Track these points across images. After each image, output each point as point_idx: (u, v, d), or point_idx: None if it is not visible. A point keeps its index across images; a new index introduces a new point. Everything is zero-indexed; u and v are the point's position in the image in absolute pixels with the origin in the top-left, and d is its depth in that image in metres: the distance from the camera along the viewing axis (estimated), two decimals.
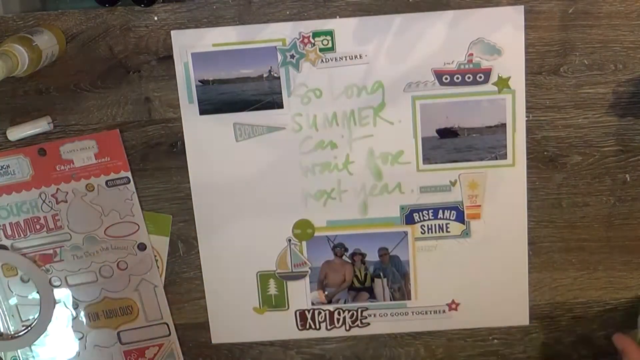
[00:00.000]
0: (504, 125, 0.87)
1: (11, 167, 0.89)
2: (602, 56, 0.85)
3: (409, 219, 0.91)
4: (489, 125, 0.88)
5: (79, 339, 0.94)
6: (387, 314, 0.94)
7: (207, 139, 0.88)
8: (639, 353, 0.83)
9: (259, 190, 0.90)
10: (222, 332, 0.95)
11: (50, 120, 0.87)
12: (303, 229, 0.91)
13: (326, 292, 0.93)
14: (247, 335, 0.95)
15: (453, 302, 0.93)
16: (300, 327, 0.95)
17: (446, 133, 0.88)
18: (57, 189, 0.89)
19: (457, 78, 0.86)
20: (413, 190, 0.90)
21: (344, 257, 0.92)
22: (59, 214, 0.90)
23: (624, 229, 0.91)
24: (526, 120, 0.87)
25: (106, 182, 0.89)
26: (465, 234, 0.91)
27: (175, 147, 0.89)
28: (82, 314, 0.93)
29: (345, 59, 0.86)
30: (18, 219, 0.90)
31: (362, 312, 0.94)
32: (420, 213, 0.90)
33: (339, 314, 0.94)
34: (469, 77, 0.86)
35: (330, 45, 0.85)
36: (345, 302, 0.94)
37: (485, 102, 0.87)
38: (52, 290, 0.92)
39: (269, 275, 0.93)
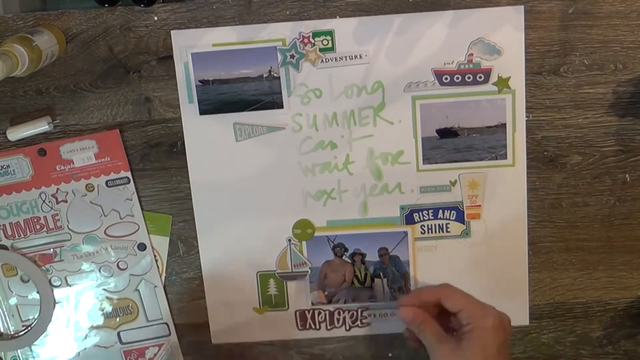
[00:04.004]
0: (504, 125, 0.87)
1: (11, 167, 0.89)
2: (602, 56, 0.85)
3: (409, 219, 0.91)
4: (489, 125, 0.88)
5: (79, 339, 0.94)
6: (387, 314, 0.94)
7: (207, 139, 0.88)
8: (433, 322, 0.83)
9: (259, 190, 0.90)
10: (222, 332, 0.95)
11: (50, 120, 0.87)
12: (303, 229, 0.91)
13: (326, 292, 0.93)
14: (247, 335, 0.95)
15: None
16: (300, 327, 0.95)
17: (446, 133, 0.88)
18: (57, 189, 0.89)
19: (457, 78, 0.86)
20: (413, 190, 0.90)
21: (344, 257, 0.92)
22: (59, 214, 0.90)
23: (624, 229, 0.91)
24: (526, 120, 0.87)
25: (106, 182, 0.89)
26: (465, 234, 0.91)
27: (175, 147, 0.89)
28: (82, 314, 0.93)
29: (345, 59, 0.86)
30: (18, 219, 0.90)
31: (362, 312, 0.94)
32: (420, 213, 0.90)
33: (339, 314, 0.94)
34: (469, 77, 0.86)
35: (330, 45, 0.85)
36: (345, 302, 0.94)
37: (485, 102, 0.87)
38: (52, 290, 0.92)
39: (269, 275, 0.93)
